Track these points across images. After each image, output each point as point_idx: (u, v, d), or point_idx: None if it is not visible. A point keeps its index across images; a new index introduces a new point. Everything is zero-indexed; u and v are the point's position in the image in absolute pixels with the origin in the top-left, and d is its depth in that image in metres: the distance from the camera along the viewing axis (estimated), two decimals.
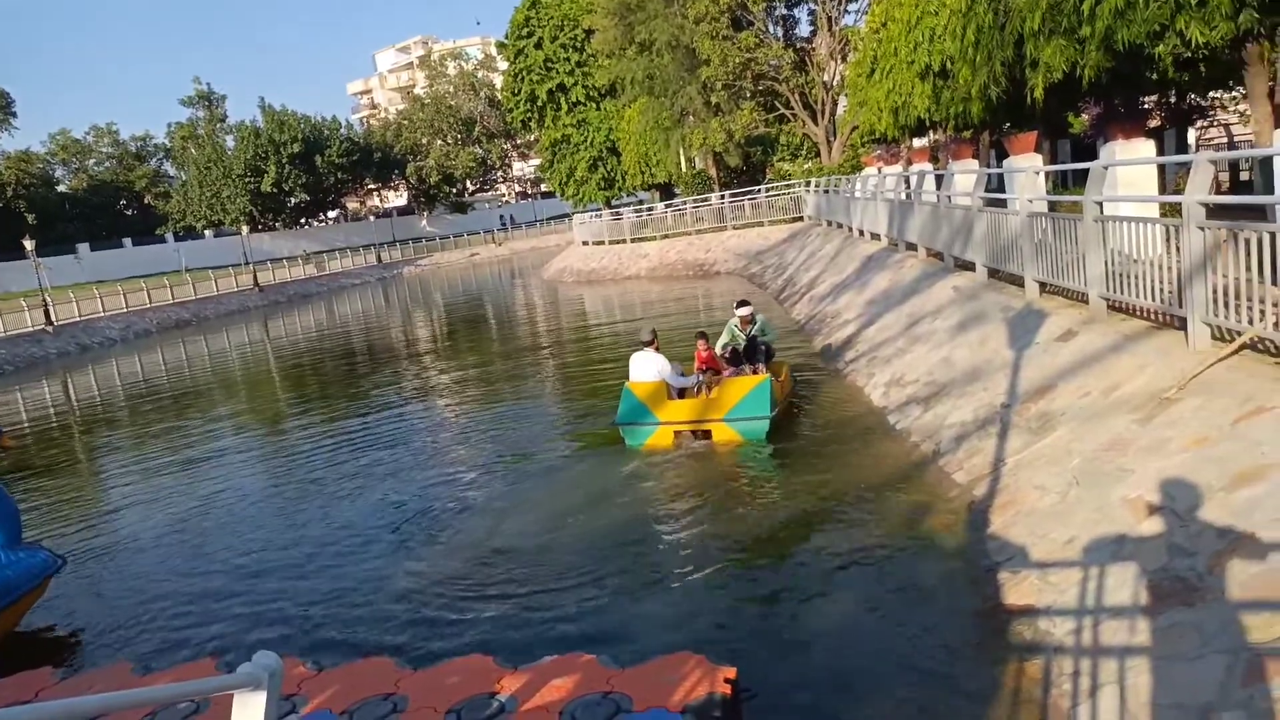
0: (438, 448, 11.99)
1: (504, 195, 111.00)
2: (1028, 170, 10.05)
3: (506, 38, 61.82)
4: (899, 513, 7.07)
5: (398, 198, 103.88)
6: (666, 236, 37.73)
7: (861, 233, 20.67)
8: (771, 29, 38.26)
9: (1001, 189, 12.28)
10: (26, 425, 19.12)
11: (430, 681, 4.47)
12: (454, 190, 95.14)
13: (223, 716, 4.36)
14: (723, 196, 37.22)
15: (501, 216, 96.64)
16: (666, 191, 51.27)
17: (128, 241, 74.90)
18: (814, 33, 38.42)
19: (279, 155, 77.77)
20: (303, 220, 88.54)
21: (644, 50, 39.58)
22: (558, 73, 58.55)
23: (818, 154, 38.76)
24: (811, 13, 38.60)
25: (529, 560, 7.15)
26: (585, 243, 43.51)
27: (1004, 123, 20.22)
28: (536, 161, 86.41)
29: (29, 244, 42.61)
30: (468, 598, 6.52)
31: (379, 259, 70.90)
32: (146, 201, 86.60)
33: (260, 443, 14.42)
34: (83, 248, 69.64)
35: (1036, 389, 7.55)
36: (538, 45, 58.54)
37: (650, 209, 41.79)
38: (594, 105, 58.37)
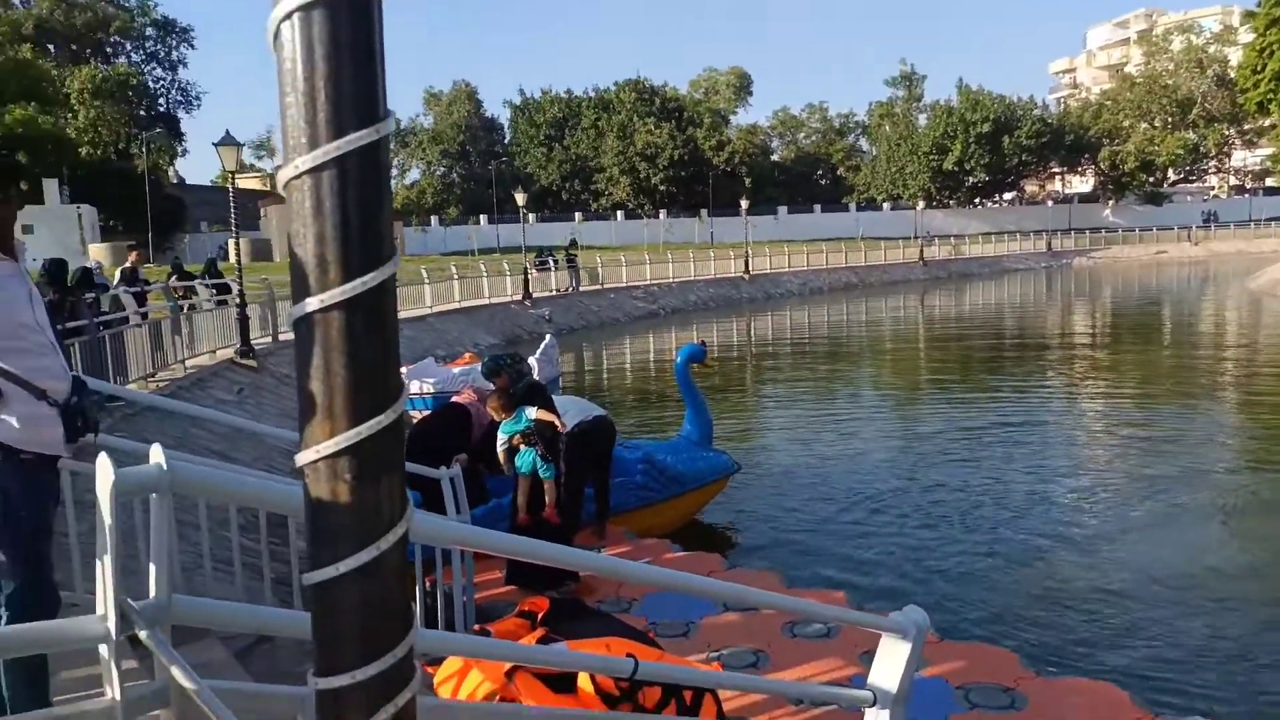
0: (1101, 454, 11.12)
1: (1213, 188, 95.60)
2: None
3: (1259, 4, 52.35)
4: None
5: (1082, 183, 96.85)
6: None
7: None
8: None
9: None
10: (717, 352, 22.90)
11: (1052, 692, 4.22)
12: (1151, 179, 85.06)
13: (845, 647, 4.73)
14: None
15: (1205, 212, 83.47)
16: None
17: (818, 208, 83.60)
18: None
19: (967, 134, 78.44)
20: (978, 200, 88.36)
21: None
22: None
23: None
24: None
25: (1211, 594, 6.25)
26: None
27: None
28: (1266, 151, 72.29)
29: (744, 204, 50.44)
30: (1116, 618, 5.98)
31: (1048, 246, 67.40)
32: (839, 173, 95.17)
33: (901, 407, 15.03)
34: (781, 210, 79.88)
35: None
36: None
37: None
38: None
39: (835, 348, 23.72)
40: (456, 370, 13.61)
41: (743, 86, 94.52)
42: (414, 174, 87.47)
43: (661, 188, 78.75)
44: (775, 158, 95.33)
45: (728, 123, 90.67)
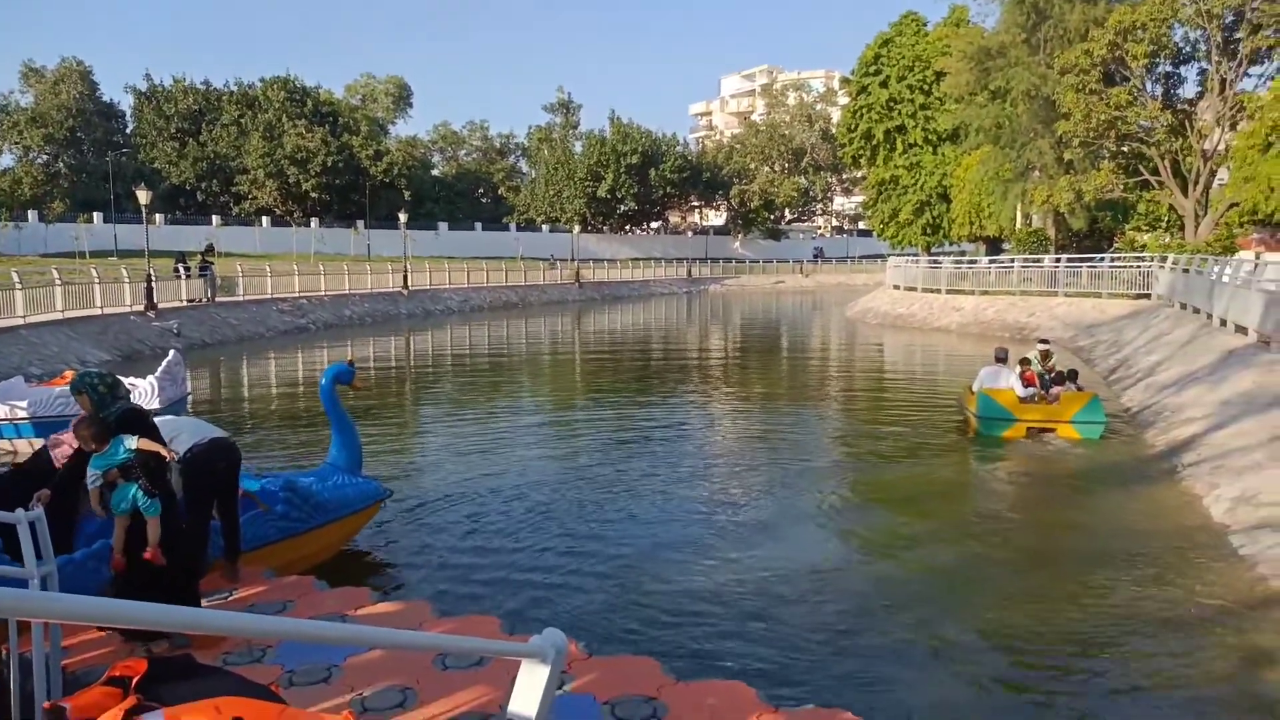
0: (734, 454, 12.23)
1: (820, 228, 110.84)
2: None
3: (853, 74, 61.67)
4: (1228, 653, 6.05)
5: (717, 217, 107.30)
6: (986, 293, 35.53)
7: (1224, 322, 18.13)
8: (1149, 87, 34.75)
9: None
10: (373, 371, 21.99)
11: (691, 696, 4.48)
12: (772, 216, 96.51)
13: (498, 673, 4.66)
14: (1058, 259, 34.42)
15: (814, 249, 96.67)
16: (994, 246, 48.44)
17: (479, 226, 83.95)
18: (1200, 95, 34.37)
19: (618, 165, 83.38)
20: (628, 227, 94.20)
21: (996, 97, 37.69)
22: (899, 114, 57.41)
23: (1181, 228, 34.65)
24: (1202, 73, 34.55)
25: (818, 588, 7.03)
26: (896, 286, 42.21)
27: None
28: (859, 198, 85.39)
29: (403, 218, 49.21)
30: (743, 616, 6.52)
31: (689, 273, 73.78)
32: (500, 193, 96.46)
33: (561, 421, 15.42)
34: (442, 226, 79.08)
35: None
36: (883, 84, 57.80)
37: (973, 261, 39.65)
38: (930, 149, 56.58)
39: (495, 366, 23.88)
40: (56, 390, 11.66)
41: (402, 97, 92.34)
42: (7, 159, 74.42)
43: (314, 195, 74.30)
44: (436, 172, 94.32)
45: (386, 133, 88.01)
